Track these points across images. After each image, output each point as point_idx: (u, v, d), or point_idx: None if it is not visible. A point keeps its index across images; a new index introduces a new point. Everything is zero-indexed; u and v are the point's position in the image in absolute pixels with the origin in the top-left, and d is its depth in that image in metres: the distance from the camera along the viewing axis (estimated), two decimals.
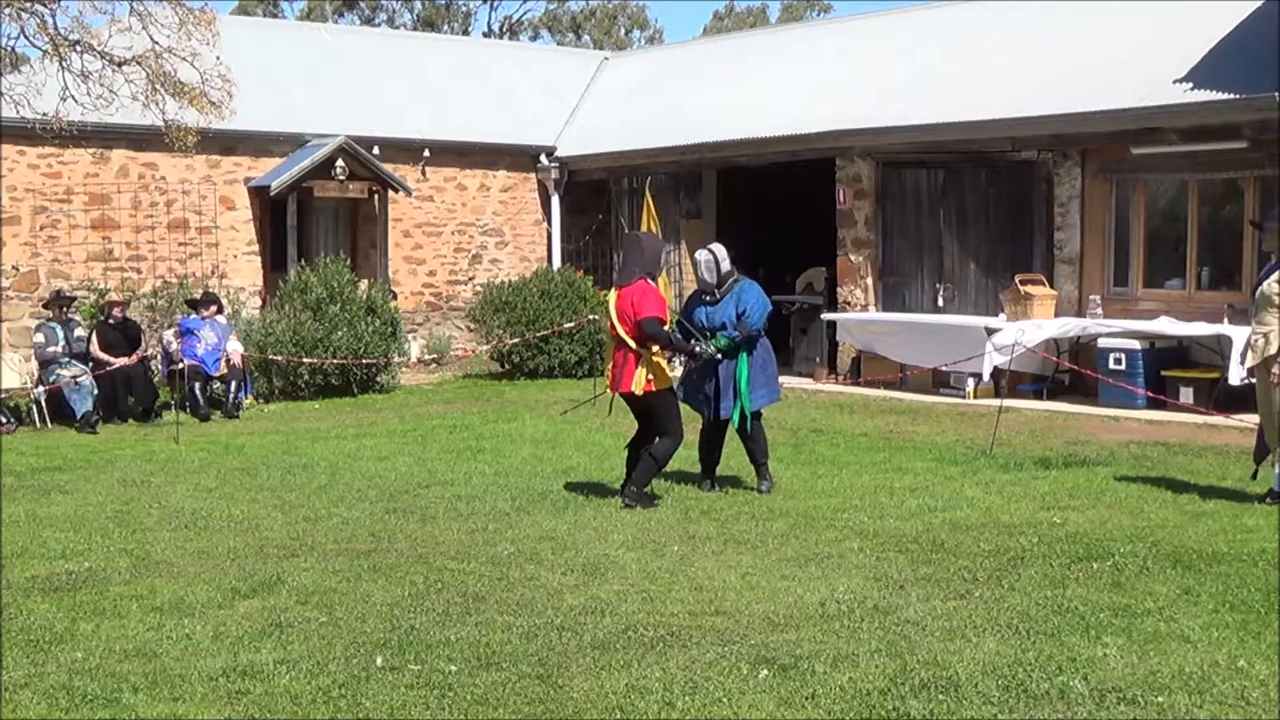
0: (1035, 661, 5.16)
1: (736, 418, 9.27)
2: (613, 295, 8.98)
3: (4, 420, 13.44)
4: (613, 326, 8.92)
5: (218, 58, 13.13)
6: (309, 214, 18.85)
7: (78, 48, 12.95)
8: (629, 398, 8.88)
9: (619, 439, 12.08)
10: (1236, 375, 12.20)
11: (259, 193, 18.18)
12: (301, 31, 24.36)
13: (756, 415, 9.40)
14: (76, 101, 13.16)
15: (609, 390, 9.03)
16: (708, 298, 9.29)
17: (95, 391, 13.90)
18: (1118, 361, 13.48)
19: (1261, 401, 8.39)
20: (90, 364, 14.19)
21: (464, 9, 43.24)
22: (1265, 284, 8.30)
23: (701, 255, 9.38)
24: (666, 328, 8.90)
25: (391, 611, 6.07)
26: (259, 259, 18.53)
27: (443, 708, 4.79)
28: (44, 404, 13.90)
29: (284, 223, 18.10)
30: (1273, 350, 8.17)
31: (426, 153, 19.76)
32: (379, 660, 5.31)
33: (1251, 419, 11.37)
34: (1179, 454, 10.62)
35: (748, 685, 4.94)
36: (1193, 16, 14.55)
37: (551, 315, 17.19)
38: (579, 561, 7.09)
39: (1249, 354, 8.46)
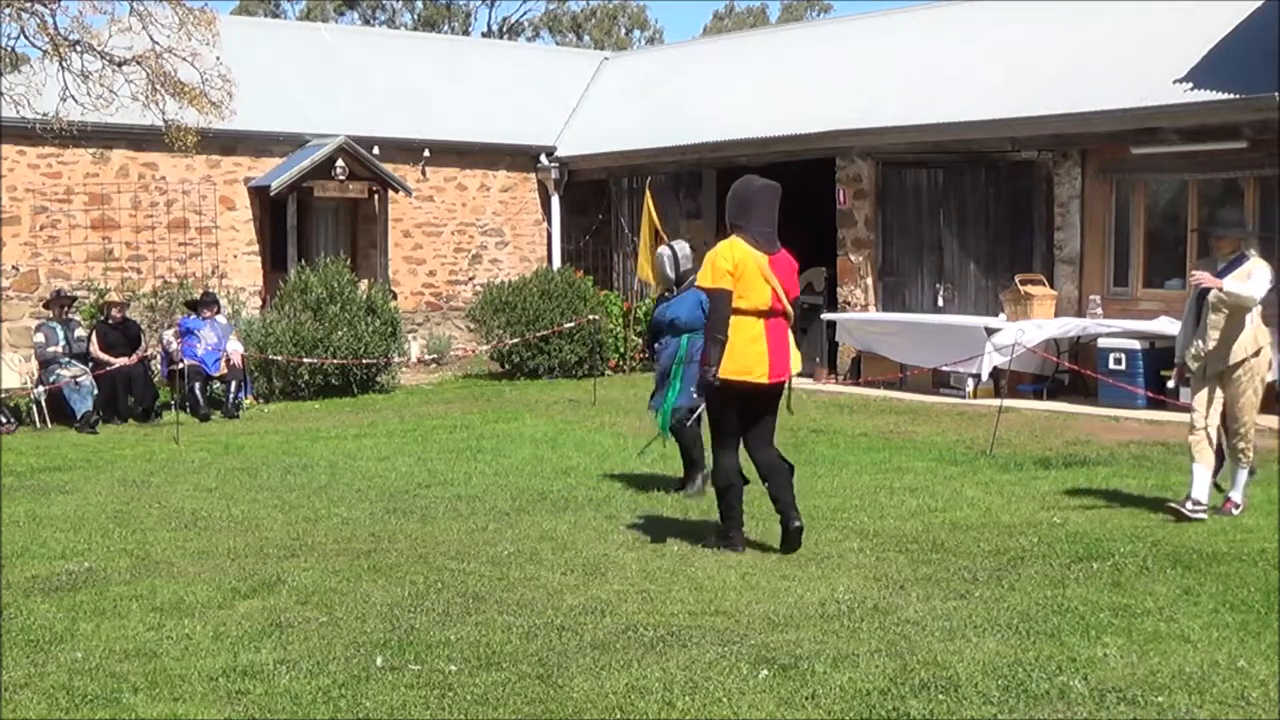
0: (1035, 661, 5.16)
1: (662, 421, 9.11)
2: (760, 257, 7.17)
3: (4, 420, 13.44)
4: (778, 299, 7.24)
5: (218, 58, 13.13)
6: (309, 214, 18.86)
7: (78, 48, 12.95)
8: (766, 389, 7.28)
9: (619, 439, 12.11)
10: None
11: (259, 193, 18.19)
12: (301, 31, 24.35)
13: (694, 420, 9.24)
14: (76, 101, 13.17)
15: (768, 380, 7.21)
16: (667, 294, 9.38)
17: (95, 391, 13.90)
18: (1118, 361, 13.48)
19: (1247, 407, 8.14)
20: (90, 364, 14.18)
21: (464, 9, 43.27)
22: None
23: (665, 251, 9.48)
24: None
25: (391, 611, 6.07)
26: (259, 259, 18.53)
27: (443, 708, 4.79)
28: (44, 404, 13.90)
29: (284, 223, 18.11)
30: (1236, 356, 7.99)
31: (426, 153, 19.77)
32: (379, 660, 5.31)
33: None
34: (1179, 454, 10.58)
35: (748, 685, 4.94)
36: (1193, 16, 14.56)
37: (551, 315, 17.19)
38: (579, 561, 7.08)
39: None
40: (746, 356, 7.13)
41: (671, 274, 9.32)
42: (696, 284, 7.24)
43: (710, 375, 7.11)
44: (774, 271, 7.21)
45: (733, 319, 7.09)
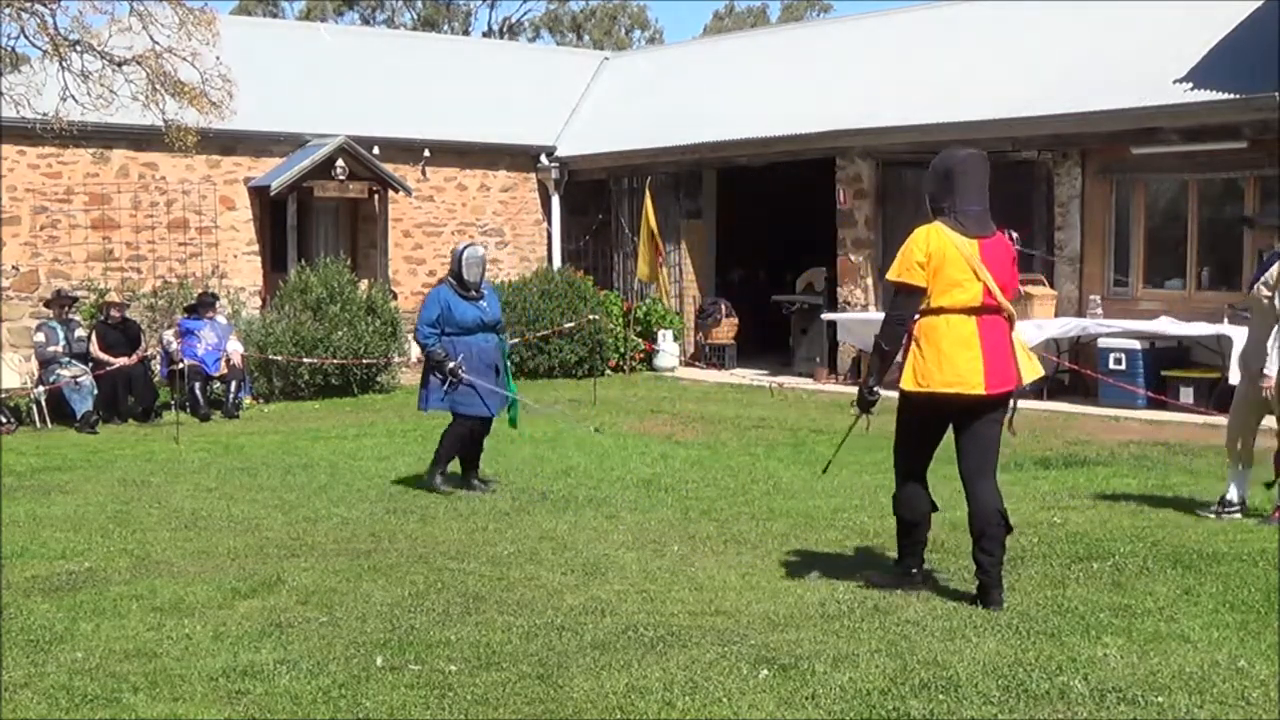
0: (1035, 661, 5.16)
1: (513, 415, 10.07)
2: (966, 245, 6.01)
3: (4, 420, 13.43)
4: (990, 293, 5.98)
5: (218, 58, 13.12)
6: (309, 214, 18.85)
7: (78, 48, 12.95)
8: (984, 403, 5.99)
9: (619, 439, 12.12)
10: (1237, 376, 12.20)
11: (259, 193, 18.18)
12: (301, 31, 24.36)
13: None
14: (76, 101, 13.16)
15: (985, 391, 5.94)
16: (474, 294, 9.53)
17: (95, 391, 13.90)
18: (1118, 361, 13.49)
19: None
20: (90, 364, 14.18)
21: (464, 9, 43.28)
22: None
23: (477, 252, 9.65)
24: None
25: (391, 611, 6.07)
26: (259, 259, 18.53)
27: (443, 708, 4.79)
28: (44, 404, 13.89)
29: (284, 223, 18.10)
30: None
31: (426, 153, 19.76)
32: (379, 660, 5.31)
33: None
34: (1179, 454, 10.62)
35: (748, 685, 4.93)
36: (1193, 16, 14.56)
37: (551, 315, 17.20)
38: (579, 561, 7.08)
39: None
40: (957, 363, 5.92)
41: (478, 277, 9.58)
42: (887, 276, 6.31)
43: (868, 389, 6.15)
44: (985, 260, 5.98)
45: (934, 320, 5.96)
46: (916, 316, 6.03)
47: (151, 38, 13.04)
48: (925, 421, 6.11)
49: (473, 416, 9.47)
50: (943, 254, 5.94)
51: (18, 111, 13.45)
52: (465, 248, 9.64)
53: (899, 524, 6.34)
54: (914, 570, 6.34)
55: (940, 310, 5.95)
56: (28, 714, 4.79)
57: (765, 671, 5.06)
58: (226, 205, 18.20)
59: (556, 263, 20.56)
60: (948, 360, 5.92)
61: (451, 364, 9.29)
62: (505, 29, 43.34)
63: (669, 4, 60.66)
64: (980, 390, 5.92)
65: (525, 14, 49.55)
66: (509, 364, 9.92)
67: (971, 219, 6.07)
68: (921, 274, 5.95)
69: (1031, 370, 6.14)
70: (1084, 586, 6.37)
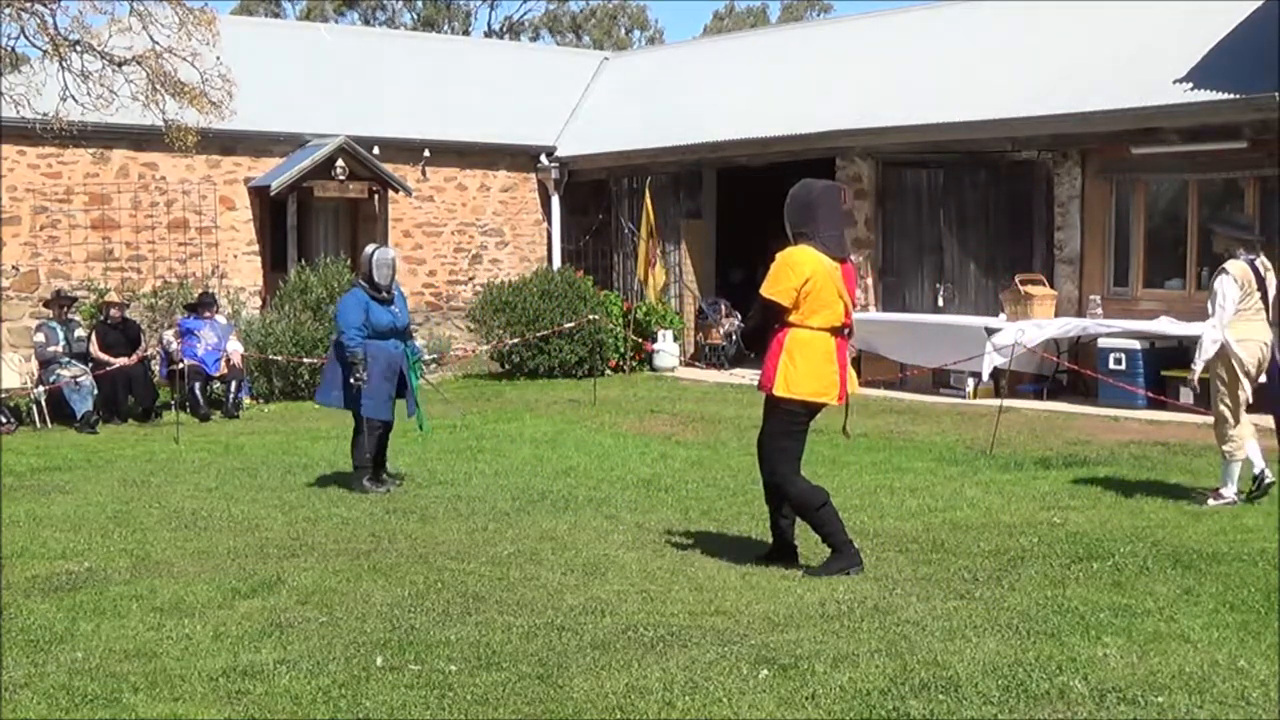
0: (1035, 661, 5.16)
1: (424, 421, 10.16)
2: (832, 267, 6.71)
3: (4, 420, 13.43)
4: (849, 314, 6.81)
5: (218, 58, 13.13)
6: (309, 214, 18.86)
7: (78, 48, 12.95)
8: (820, 410, 6.88)
9: (619, 439, 12.13)
10: None
11: (259, 193, 18.19)
12: (301, 31, 24.38)
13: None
14: (76, 101, 13.17)
15: (837, 402, 6.80)
16: (385, 295, 9.64)
17: (95, 391, 13.89)
18: (1118, 361, 13.49)
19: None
20: (90, 364, 14.18)
21: (464, 9, 43.28)
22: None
23: (388, 255, 9.74)
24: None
25: (391, 611, 6.07)
26: (259, 259, 18.54)
27: (443, 708, 4.79)
28: (44, 404, 13.89)
29: (284, 223, 18.11)
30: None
31: (426, 153, 19.77)
32: (379, 660, 5.31)
33: (1253, 419, 11.38)
34: (1179, 454, 10.62)
35: (748, 685, 4.93)
36: (1193, 16, 14.56)
37: (551, 315, 17.19)
38: (579, 561, 7.08)
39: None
40: (823, 376, 6.65)
41: (388, 279, 9.66)
42: (760, 292, 6.76)
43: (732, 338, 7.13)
44: (849, 284, 6.79)
45: (805, 335, 6.62)
46: (780, 328, 6.67)
47: (151, 38, 13.04)
48: (797, 423, 6.77)
49: (377, 420, 9.72)
50: (817, 278, 6.59)
51: (18, 111, 13.45)
52: (376, 249, 9.75)
53: (812, 513, 6.78)
54: (849, 550, 6.76)
55: (810, 327, 6.63)
56: (28, 714, 4.79)
57: (765, 671, 5.06)
58: (226, 205, 18.21)
59: (556, 263, 20.57)
60: (816, 372, 6.63)
61: (360, 373, 9.53)
62: (505, 29, 43.36)
63: (669, 4, 60.71)
64: (834, 400, 6.73)
65: (525, 14, 49.54)
66: (419, 368, 10.09)
67: (833, 243, 6.72)
68: (792, 297, 6.60)
69: (853, 385, 6.93)
70: (1084, 586, 6.38)
